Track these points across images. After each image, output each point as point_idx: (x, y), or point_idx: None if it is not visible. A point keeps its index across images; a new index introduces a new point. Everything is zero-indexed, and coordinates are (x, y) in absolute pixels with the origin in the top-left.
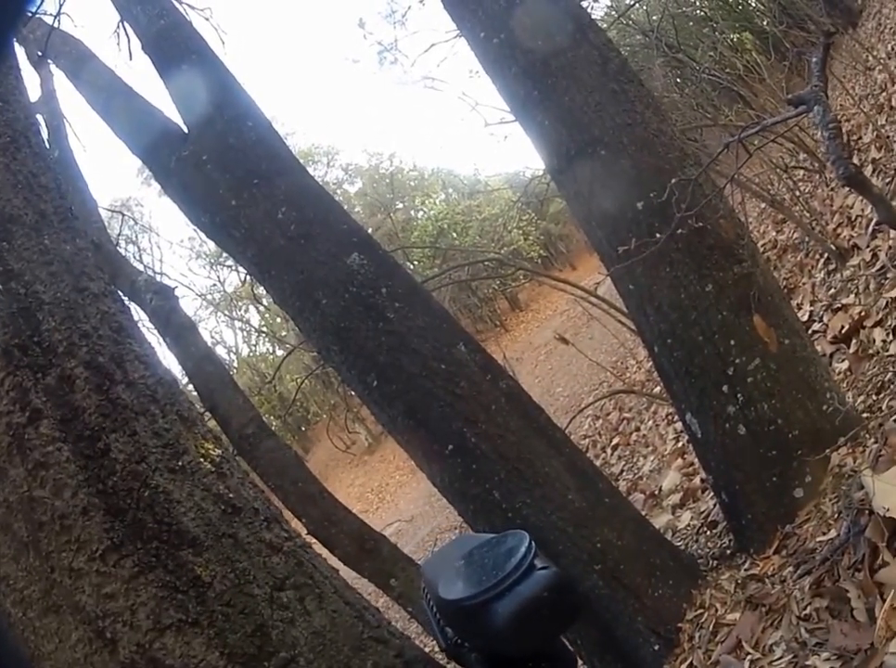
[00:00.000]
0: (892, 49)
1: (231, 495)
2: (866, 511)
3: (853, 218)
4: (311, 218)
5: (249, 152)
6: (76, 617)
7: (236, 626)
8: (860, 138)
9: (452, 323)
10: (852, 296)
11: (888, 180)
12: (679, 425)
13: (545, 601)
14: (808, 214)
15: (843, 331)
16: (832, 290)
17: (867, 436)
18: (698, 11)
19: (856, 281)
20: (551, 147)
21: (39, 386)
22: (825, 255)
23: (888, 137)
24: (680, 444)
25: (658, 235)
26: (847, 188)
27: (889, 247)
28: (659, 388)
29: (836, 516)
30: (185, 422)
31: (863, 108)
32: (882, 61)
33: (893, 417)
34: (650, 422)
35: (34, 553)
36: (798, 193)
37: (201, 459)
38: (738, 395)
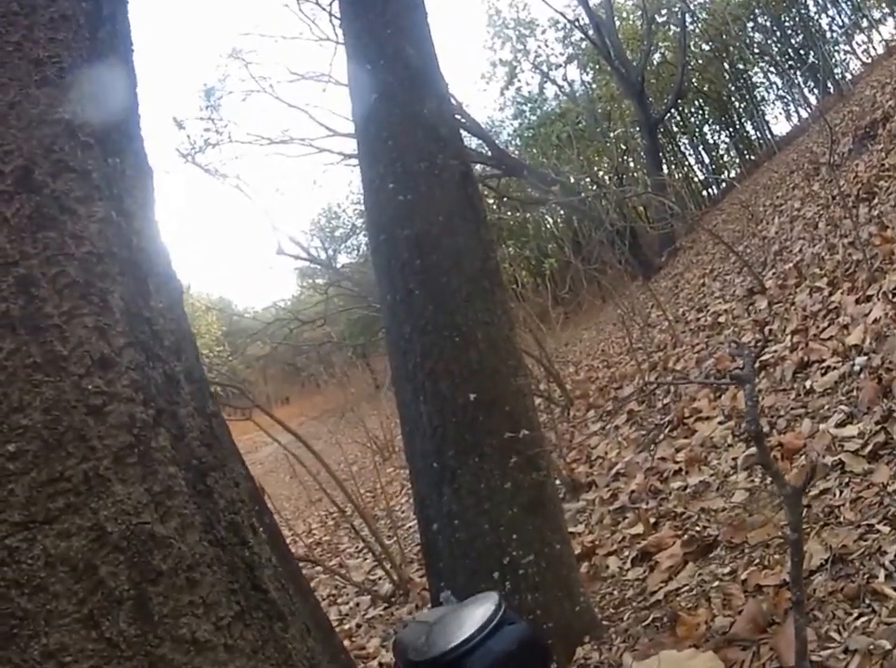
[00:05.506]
0: (682, 314)
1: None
2: None
3: (594, 458)
4: None
5: None
6: None
7: None
8: (620, 387)
9: (233, 444)
10: (582, 526)
11: (643, 433)
12: (344, 608)
13: (515, 654)
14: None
15: (576, 554)
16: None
17: (613, 637)
18: None
19: (588, 513)
20: (411, 316)
21: (153, 376)
22: (556, 483)
23: (654, 395)
24: (347, 627)
25: (482, 426)
26: (599, 430)
27: (633, 490)
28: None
29: None
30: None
31: (637, 359)
32: (670, 322)
33: (641, 625)
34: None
35: (133, 614)
36: None
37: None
38: (507, 583)
